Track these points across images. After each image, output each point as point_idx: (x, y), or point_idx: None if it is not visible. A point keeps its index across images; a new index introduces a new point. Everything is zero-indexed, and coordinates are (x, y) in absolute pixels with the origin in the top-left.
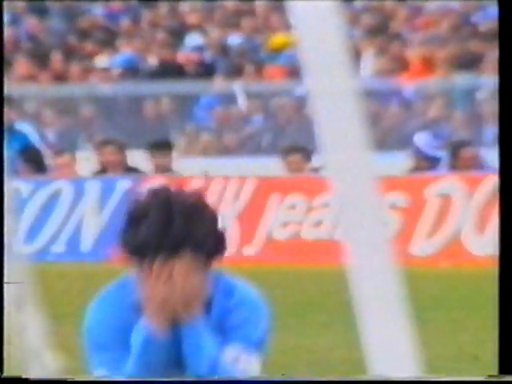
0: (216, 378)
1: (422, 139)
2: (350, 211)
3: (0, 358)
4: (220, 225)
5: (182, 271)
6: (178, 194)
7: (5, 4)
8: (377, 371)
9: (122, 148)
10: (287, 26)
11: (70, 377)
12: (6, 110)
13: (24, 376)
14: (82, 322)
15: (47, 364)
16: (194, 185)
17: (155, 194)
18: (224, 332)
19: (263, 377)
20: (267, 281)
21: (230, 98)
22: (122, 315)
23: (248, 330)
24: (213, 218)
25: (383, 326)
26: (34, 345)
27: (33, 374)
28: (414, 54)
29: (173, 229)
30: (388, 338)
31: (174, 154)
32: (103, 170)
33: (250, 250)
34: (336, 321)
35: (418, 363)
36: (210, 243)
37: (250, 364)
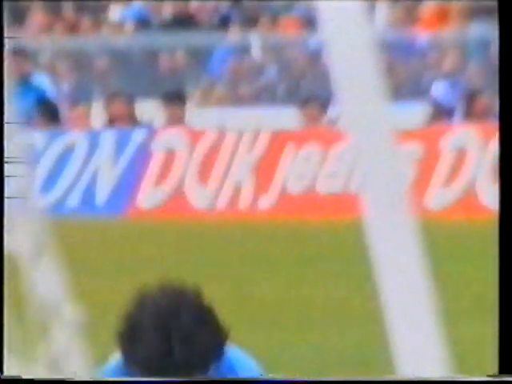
0: (216, 378)
1: (437, 89)
2: (366, 162)
3: (0, 358)
4: (221, 329)
5: None
6: (173, 310)
7: (5, 4)
8: (393, 325)
9: (130, 101)
10: None
11: (70, 377)
12: (21, 61)
13: (24, 376)
14: (98, 274)
15: (67, 317)
16: (207, 137)
17: (148, 311)
18: None
19: (263, 377)
20: (281, 234)
21: (244, 50)
22: None
23: None
24: (215, 326)
25: (401, 280)
26: (52, 298)
27: (55, 329)
28: (428, 4)
29: (172, 353)
30: (405, 290)
31: (188, 105)
32: (111, 123)
33: (264, 203)
34: (351, 271)
35: (436, 318)
36: (211, 357)
37: None
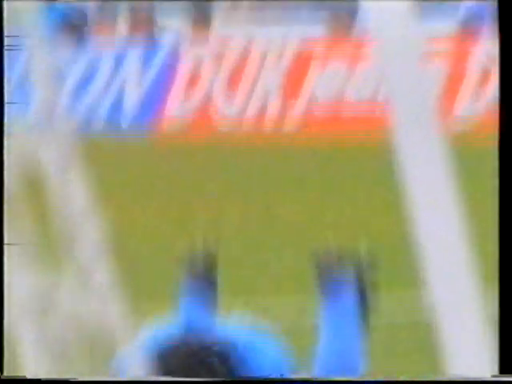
0: (217, 378)
1: (465, 7)
2: (394, 74)
3: (0, 357)
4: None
5: None
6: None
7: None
8: (422, 247)
9: (150, 17)
10: None
11: (70, 377)
12: None
13: (25, 376)
14: (125, 193)
15: (93, 231)
16: (234, 45)
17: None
18: None
19: (263, 377)
20: (305, 158)
21: None
22: None
23: None
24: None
25: (430, 198)
26: (78, 213)
27: (81, 244)
28: None
29: None
30: (435, 200)
31: (216, 12)
32: (136, 36)
33: (287, 125)
34: (379, 194)
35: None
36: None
37: None
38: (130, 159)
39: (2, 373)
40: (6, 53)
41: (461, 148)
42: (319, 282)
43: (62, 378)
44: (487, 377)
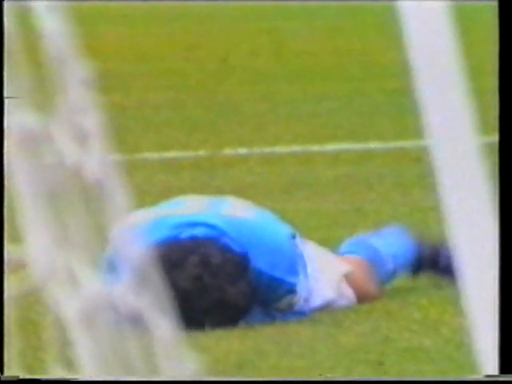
0: (215, 378)
1: None
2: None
3: (0, 357)
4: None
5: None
6: (216, 255)
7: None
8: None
9: None
10: None
11: (71, 377)
12: None
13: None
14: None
15: (80, 73)
16: None
17: (192, 249)
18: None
19: (263, 377)
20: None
21: None
22: None
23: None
24: (247, 278)
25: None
26: (64, 54)
27: (69, 85)
28: None
29: (205, 292)
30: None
31: None
32: None
33: None
34: (388, 24)
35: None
36: (241, 304)
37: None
38: None
39: (2, 373)
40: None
41: None
42: None
43: (62, 377)
44: (486, 377)
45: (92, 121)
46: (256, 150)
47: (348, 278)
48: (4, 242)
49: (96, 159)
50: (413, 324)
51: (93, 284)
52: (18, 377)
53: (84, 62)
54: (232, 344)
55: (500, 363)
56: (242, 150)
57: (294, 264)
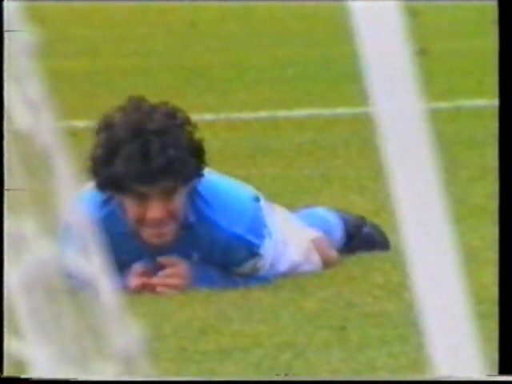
0: (217, 378)
1: None
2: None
3: (0, 357)
4: (198, 137)
5: (159, 202)
6: (149, 116)
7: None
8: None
9: None
10: None
11: (70, 377)
12: None
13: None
14: None
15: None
16: None
17: (126, 119)
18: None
19: (263, 377)
20: None
21: None
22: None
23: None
24: (190, 135)
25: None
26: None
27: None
28: None
29: (149, 159)
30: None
31: None
32: None
33: None
34: None
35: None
36: (190, 165)
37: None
38: None
39: (1, 373)
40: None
41: None
42: None
43: (62, 378)
44: (486, 377)
45: (38, 88)
46: (222, 115)
47: (315, 242)
48: (4, 242)
49: (45, 126)
50: (375, 289)
51: (43, 251)
52: (19, 377)
53: (30, 28)
54: (195, 309)
55: (500, 363)
56: (209, 116)
57: (258, 225)
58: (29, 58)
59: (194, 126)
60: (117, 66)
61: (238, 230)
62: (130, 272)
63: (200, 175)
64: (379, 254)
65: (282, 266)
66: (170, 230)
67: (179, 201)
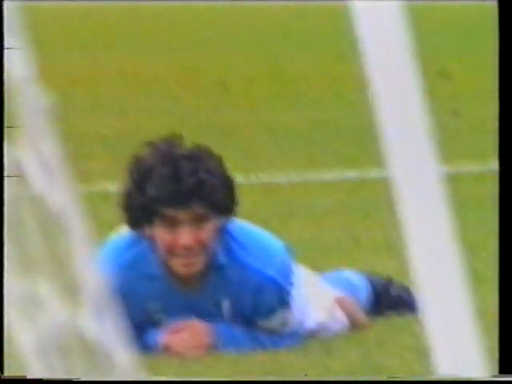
0: (220, 378)
1: None
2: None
3: (0, 357)
4: (228, 174)
5: (190, 229)
6: (179, 145)
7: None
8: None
9: None
10: None
11: (71, 376)
12: None
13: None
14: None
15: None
16: None
17: (156, 149)
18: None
19: (263, 377)
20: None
21: None
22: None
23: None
24: (220, 166)
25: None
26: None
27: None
28: None
29: (180, 181)
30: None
31: None
32: None
33: None
34: None
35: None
36: (220, 192)
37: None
38: None
39: (2, 373)
40: (5, 52)
41: None
42: None
43: (62, 377)
44: (487, 377)
45: (54, 150)
46: (253, 177)
47: (339, 302)
48: (4, 243)
49: (59, 189)
50: (404, 351)
51: (57, 313)
52: (19, 377)
53: (44, 89)
54: (222, 373)
55: (500, 363)
56: (239, 178)
57: (288, 271)
58: (45, 121)
59: (225, 165)
60: (145, 125)
61: (270, 271)
62: (160, 328)
63: (231, 210)
64: (408, 315)
65: (309, 324)
66: (199, 261)
67: (210, 230)
